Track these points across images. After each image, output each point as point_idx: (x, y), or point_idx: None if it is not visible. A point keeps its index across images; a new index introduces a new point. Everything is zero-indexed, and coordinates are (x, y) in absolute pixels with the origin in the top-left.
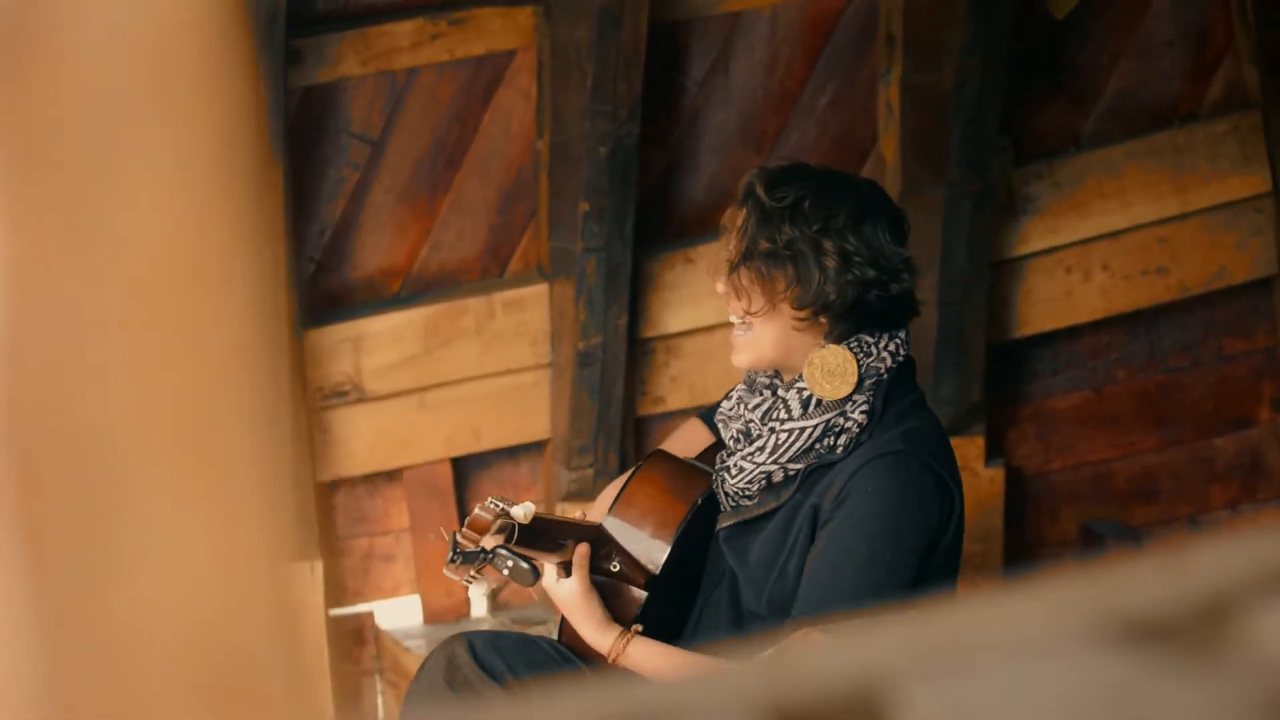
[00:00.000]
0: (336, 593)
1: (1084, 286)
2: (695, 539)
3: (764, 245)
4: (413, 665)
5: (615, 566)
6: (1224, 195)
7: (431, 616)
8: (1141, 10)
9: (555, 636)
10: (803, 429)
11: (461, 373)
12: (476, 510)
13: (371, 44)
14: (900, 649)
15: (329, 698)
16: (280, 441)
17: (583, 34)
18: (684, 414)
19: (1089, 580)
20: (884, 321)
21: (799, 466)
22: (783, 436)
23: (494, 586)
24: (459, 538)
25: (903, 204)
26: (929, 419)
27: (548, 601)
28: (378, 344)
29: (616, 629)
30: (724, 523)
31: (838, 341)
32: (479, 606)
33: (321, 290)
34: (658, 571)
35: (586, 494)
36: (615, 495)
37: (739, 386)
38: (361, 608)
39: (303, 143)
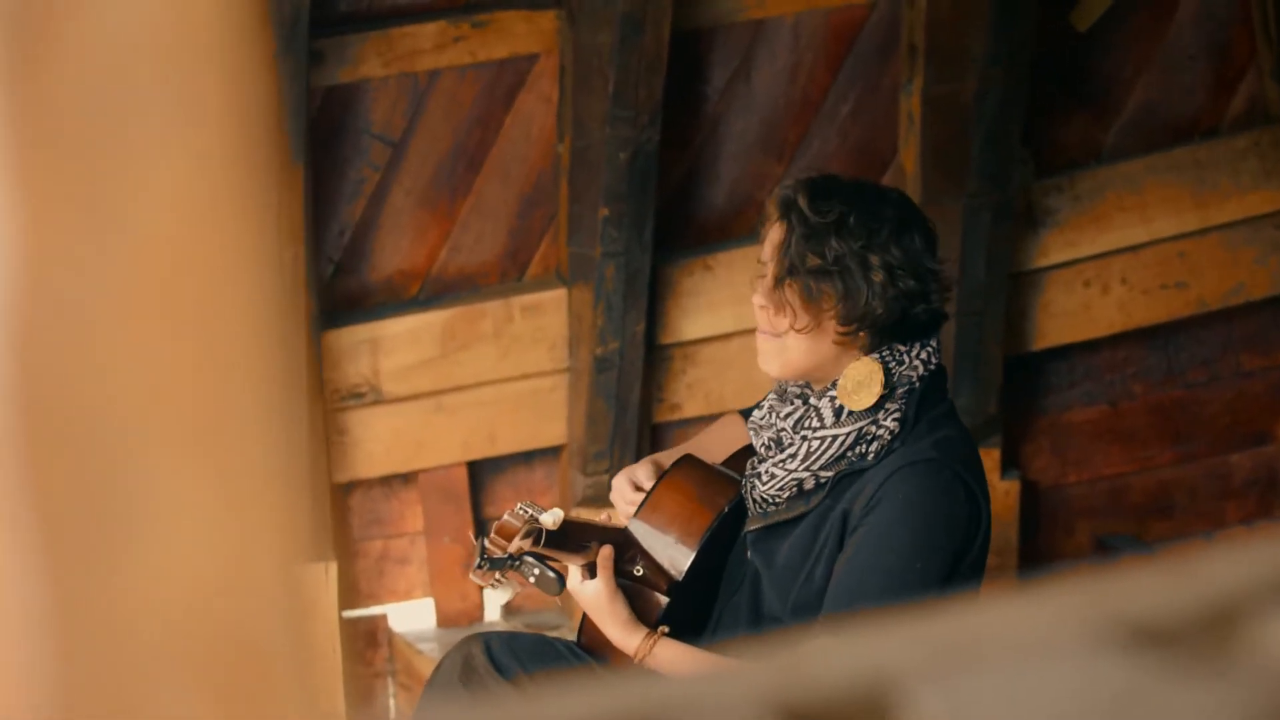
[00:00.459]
0: (350, 595)
1: (1102, 300)
2: (719, 545)
3: (812, 261)
4: (425, 668)
5: (639, 570)
6: (1244, 211)
7: (445, 620)
8: (1164, 24)
9: (573, 639)
10: (835, 436)
11: (479, 376)
12: (505, 516)
13: (394, 45)
14: (908, 649)
15: (341, 698)
16: (294, 440)
17: (605, 39)
18: (700, 421)
19: (1097, 584)
20: (920, 333)
21: (830, 474)
22: (815, 444)
23: (517, 592)
24: (487, 543)
25: None
26: (960, 430)
27: (571, 603)
28: (395, 346)
29: (643, 630)
30: (752, 525)
31: (869, 353)
32: (496, 611)
33: (340, 291)
34: (681, 577)
35: (602, 499)
36: (643, 497)
37: (770, 395)
38: (375, 610)
39: (323, 143)
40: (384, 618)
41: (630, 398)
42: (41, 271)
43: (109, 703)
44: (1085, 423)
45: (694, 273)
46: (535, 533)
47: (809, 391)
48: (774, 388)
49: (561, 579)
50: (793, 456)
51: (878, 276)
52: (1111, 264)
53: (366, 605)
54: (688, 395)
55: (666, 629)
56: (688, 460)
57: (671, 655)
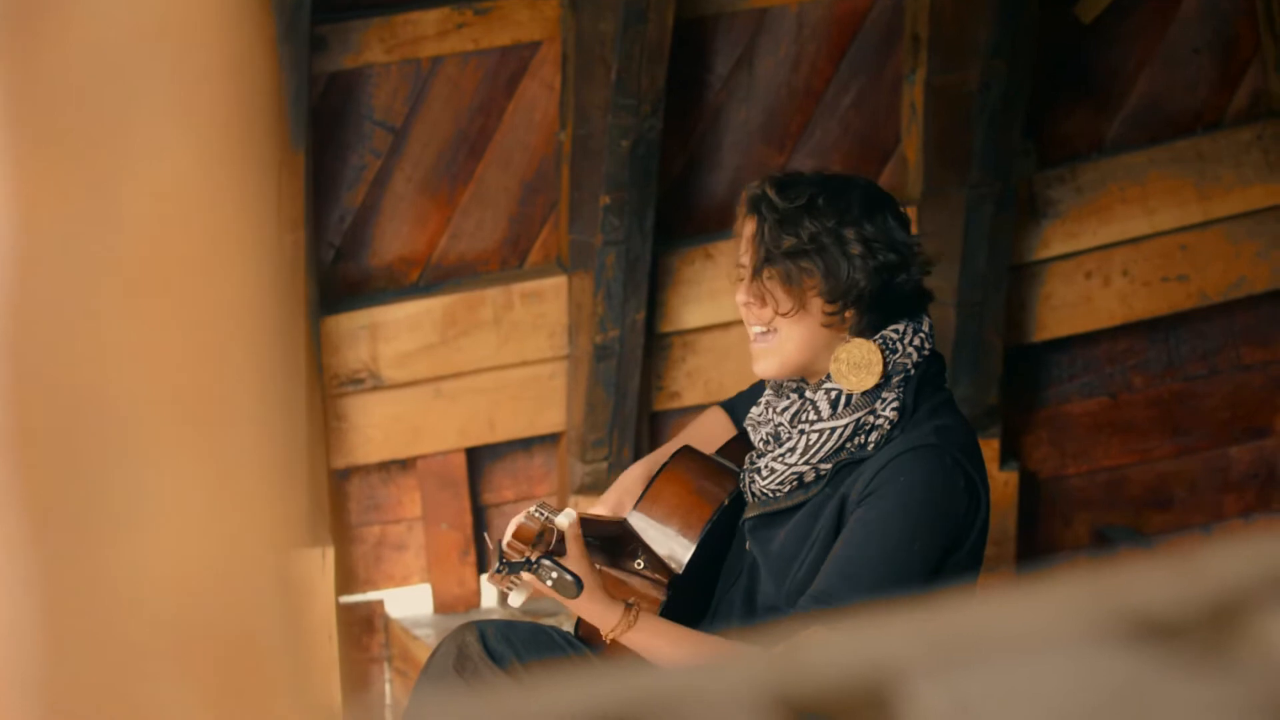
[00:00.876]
0: (347, 580)
1: (1103, 292)
2: (719, 537)
3: (787, 243)
4: (421, 654)
5: (640, 564)
6: (1246, 204)
7: (442, 606)
8: (1168, 17)
9: (569, 628)
10: (833, 429)
11: (478, 363)
12: (522, 519)
13: (397, 32)
14: (909, 643)
15: (336, 685)
16: (293, 429)
17: (608, 27)
18: (699, 410)
19: (1099, 578)
20: (906, 310)
21: (829, 465)
22: (813, 437)
23: (531, 593)
24: (505, 547)
25: (924, 205)
26: (959, 418)
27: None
28: (395, 332)
29: (620, 605)
30: (750, 513)
31: (861, 336)
32: (495, 599)
33: (340, 277)
34: (681, 570)
35: (600, 487)
36: (636, 487)
37: (767, 391)
38: (372, 596)
39: (325, 129)
40: (381, 603)
41: (629, 386)
42: (36, 260)
43: (101, 698)
44: (1085, 414)
45: (694, 261)
46: (550, 533)
47: (804, 385)
48: (769, 384)
49: (579, 581)
50: (791, 450)
51: (855, 250)
52: (1113, 256)
53: (363, 591)
54: (687, 383)
55: (642, 605)
56: (686, 452)
57: (651, 630)
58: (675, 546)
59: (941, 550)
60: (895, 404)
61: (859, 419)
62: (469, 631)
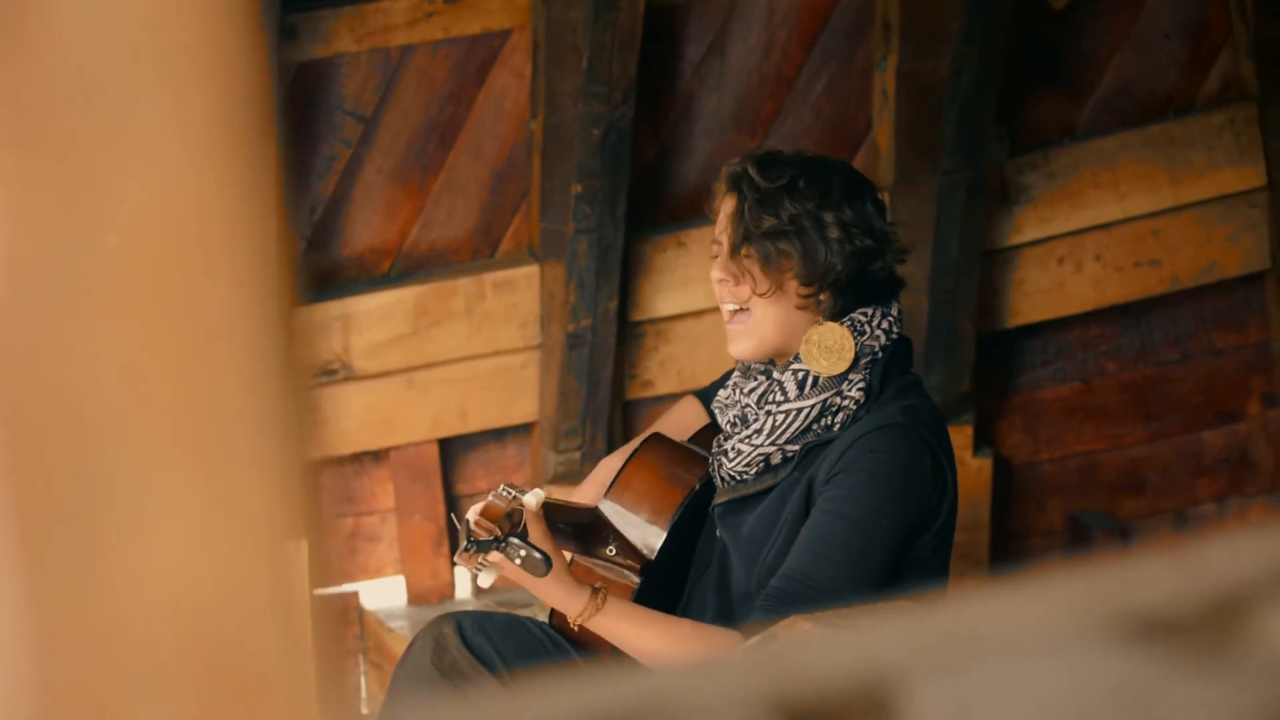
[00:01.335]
0: (321, 572)
1: (1076, 277)
2: (691, 523)
3: (768, 223)
4: (396, 646)
5: (611, 550)
6: (1218, 189)
7: (416, 597)
8: (1139, 3)
9: (544, 619)
10: (800, 409)
11: (450, 353)
12: (490, 497)
13: (367, 21)
14: (907, 644)
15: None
16: (279, 420)
17: (579, 14)
18: (672, 398)
19: (1098, 576)
20: (879, 296)
21: (796, 447)
22: (780, 418)
23: (501, 573)
24: (473, 525)
25: (896, 192)
26: (926, 400)
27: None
28: (367, 323)
29: (586, 590)
30: (719, 499)
31: (832, 319)
32: (468, 588)
33: (311, 268)
34: (653, 557)
35: (573, 477)
36: (612, 478)
37: (734, 373)
38: (346, 588)
39: (295, 119)
40: (355, 595)
41: (602, 374)
42: (23, 265)
43: (96, 712)
44: (1058, 400)
45: (667, 249)
46: (518, 513)
47: (772, 367)
48: (739, 364)
49: (548, 559)
50: (758, 432)
51: (834, 233)
52: (1085, 241)
53: (337, 583)
54: (660, 372)
55: (607, 591)
56: (656, 439)
57: (618, 614)
58: (647, 533)
59: (909, 528)
60: (862, 385)
61: (825, 400)
62: (445, 624)
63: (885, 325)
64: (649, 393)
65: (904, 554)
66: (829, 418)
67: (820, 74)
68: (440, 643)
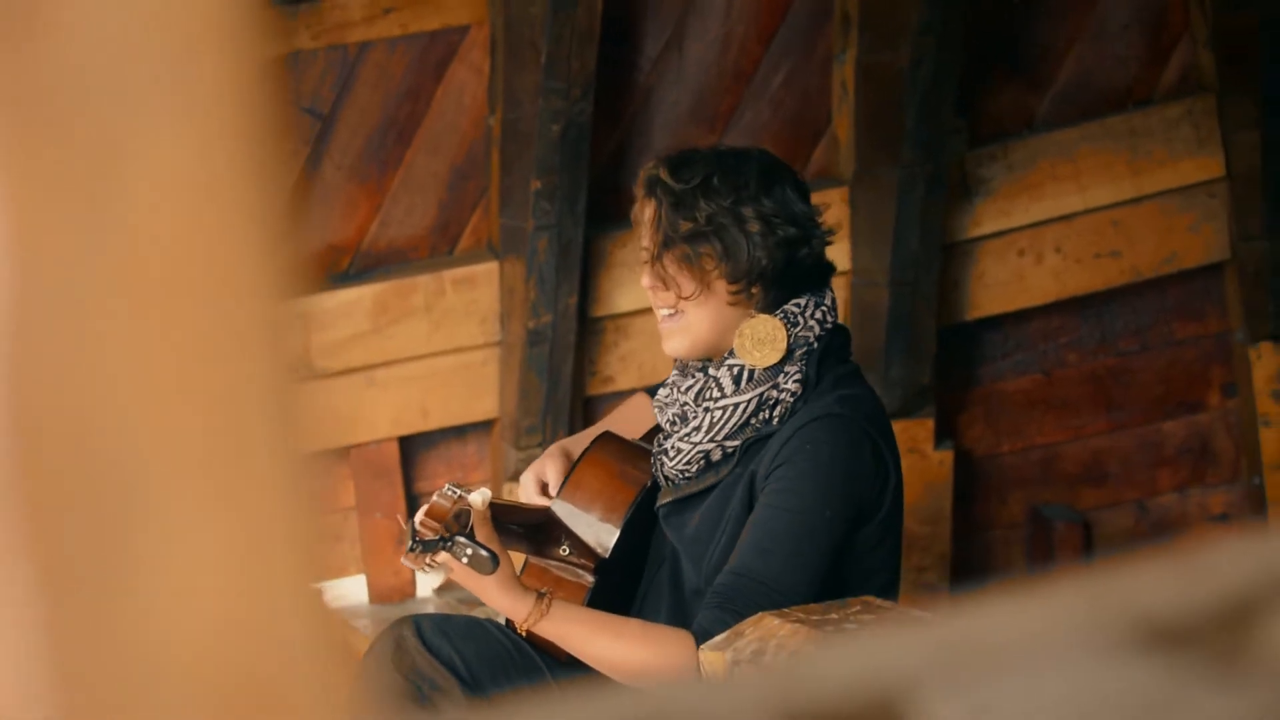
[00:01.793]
0: None
1: (1036, 269)
2: (644, 521)
3: (685, 226)
4: (358, 645)
5: (565, 550)
6: (1178, 179)
7: (377, 596)
8: None
9: (503, 620)
10: (736, 405)
11: (410, 351)
12: (435, 497)
13: (324, 17)
14: (919, 655)
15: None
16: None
17: (537, 10)
18: (633, 394)
19: (1106, 584)
20: (811, 284)
21: (736, 443)
22: (717, 414)
23: (450, 573)
24: (418, 525)
25: (856, 184)
26: (866, 389)
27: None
28: (326, 321)
29: (531, 594)
30: (663, 499)
31: (766, 311)
32: (427, 588)
33: None
34: (607, 555)
35: None
36: (563, 476)
37: (673, 372)
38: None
39: None
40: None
41: (563, 371)
42: (32, 272)
43: None
44: (1019, 392)
45: (626, 244)
46: (465, 513)
47: (708, 364)
48: (675, 364)
49: (495, 558)
50: (697, 429)
51: (754, 227)
52: (1045, 233)
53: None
54: (620, 368)
55: (554, 593)
56: (606, 437)
57: (565, 618)
58: (600, 531)
59: (853, 518)
60: (798, 377)
61: (762, 394)
62: (405, 626)
63: (819, 315)
64: (610, 388)
65: (850, 544)
66: (767, 411)
67: (779, 68)
68: (401, 645)
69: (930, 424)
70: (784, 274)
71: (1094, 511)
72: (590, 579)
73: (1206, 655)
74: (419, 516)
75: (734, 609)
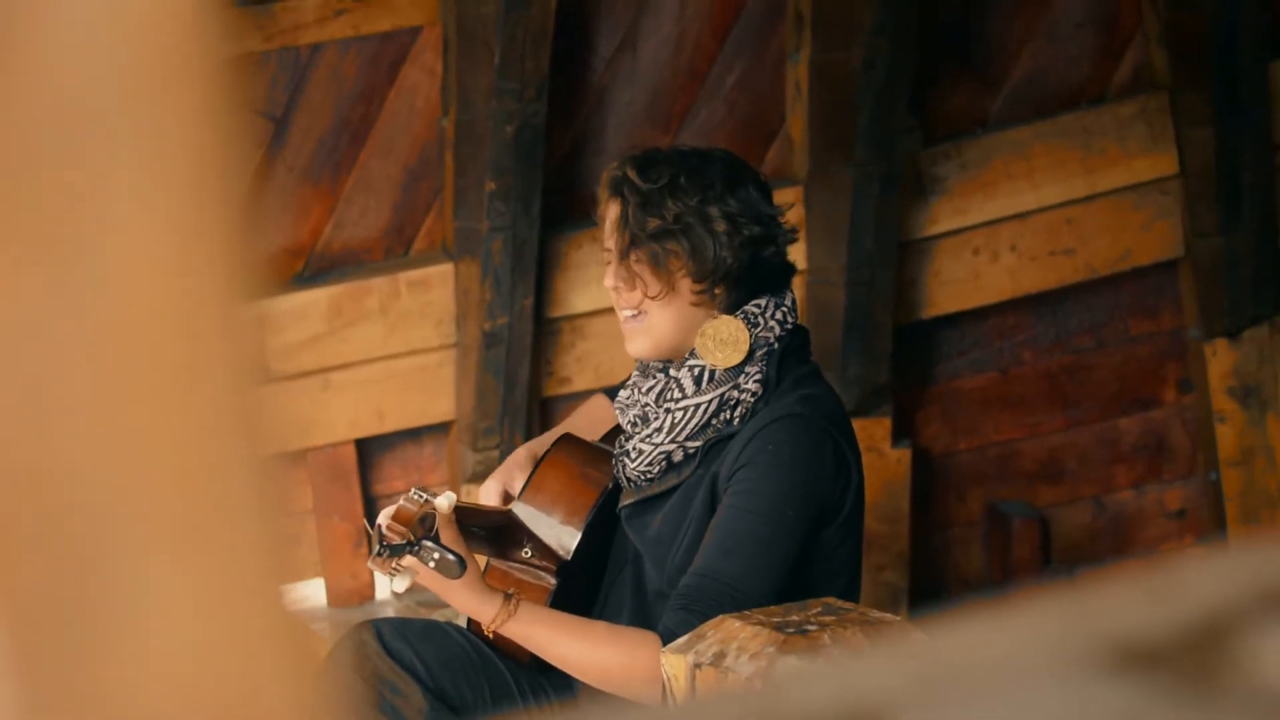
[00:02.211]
0: None
1: (991, 267)
2: (605, 523)
3: (652, 225)
4: (317, 649)
5: (527, 553)
6: (1131, 177)
7: (336, 599)
8: None
9: (462, 623)
10: (697, 405)
11: (366, 353)
12: (401, 501)
13: (276, 19)
14: (897, 677)
15: None
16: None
17: (490, 10)
18: (590, 395)
19: (1081, 604)
20: (773, 284)
21: (697, 444)
22: (678, 415)
23: (415, 577)
24: (384, 530)
25: (810, 184)
26: (826, 389)
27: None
28: (281, 324)
29: (499, 595)
30: (625, 501)
31: (728, 313)
32: (386, 590)
33: None
34: (569, 557)
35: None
36: (525, 476)
37: (634, 373)
38: None
39: None
40: None
41: (519, 372)
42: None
43: None
44: (975, 390)
45: (582, 245)
46: (430, 517)
47: (669, 364)
48: (637, 364)
49: (462, 561)
50: (658, 430)
51: (720, 227)
52: (1000, 231)
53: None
54: (577, 368)
55: (520, 595)
56: (567, 439)
57: (532, 619)
58: (562, 534)
59: (815, 518)
60: (758, 377)
61: (723, 394)
62: (365, 630)
63: (779, 316)
64: (566, 389)
65: (813, 544)
66: (728, 411)
67: (733, 67)
68: (361, 649)
69: (888, 422)
70: (748, 274)
71: (1051, 508)
72: (552, 581)
73: (1180, 675)
74: (385, 521)
75: (698, 610)
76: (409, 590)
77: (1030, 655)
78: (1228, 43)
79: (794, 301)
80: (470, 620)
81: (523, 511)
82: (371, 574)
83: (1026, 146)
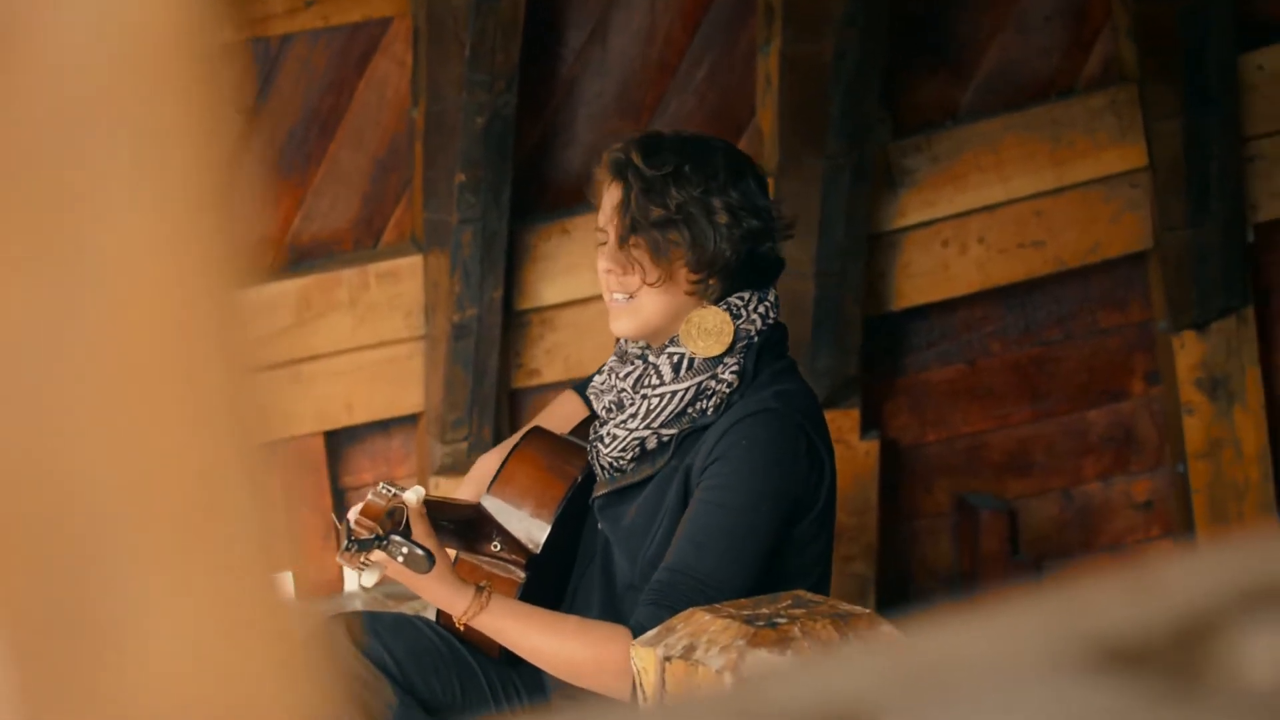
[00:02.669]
0: None
1: (961, 259)
2: (575, 516)
3: (656, 213)
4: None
5: (496, 546)
6: (1101, 169)
7: (304, 592)
8: None
9: (432, 616)
10: (674, 392)
11: (335, 345)
12: (370, 496)
13: (245, 10)
14: (876, 677)
15: None
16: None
17: (460, 2)
18: (559, 387)
19: (1066, 603)
20: (765, 279)
21: (672, 432)
22: (654, 401)
23: (384, 571)
24: (353, 524)
25: (781, 176)
26: (801, 385)
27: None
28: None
29: (470, 587)
30: (599, 491)
31: (715, 303)
32: (354, 584)
33: None
34: (538, 551)
35: (460, 468)
36: (494, 473)
37: (611, 359)
38: None
39: None
40: None
41: (488, 364)
42: None
43: None
44: (944, 382)
45: (551, 237)
46: (399, 511)
47: (648, 350)
48: (615, 350)
49: (431, 556)
50: (633, 416)
51: (722, 219)
52: (969, 223)
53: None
54: (546, 360)
55: (492, 587)
56: (536, 432)
57: (503, 612)
58: (531, 527)
59: (788, 513)
60: (735, 369)
61: (700, 383)
62: (334, 624)
63: (761, 310)
64: (536, 381)
65: (785, 539)
66: (704, 401)
67: (703, 59)
68: (331, 644)
69: (856, 414)
70: (743, 267)
71: (1020, 500)
72: (521, 575)
73: (1163, 674)
74: (354, 515)
75: (669, 605)
76: (378, 584)
77: (1012, 655)
78: (1197, 35)
79: (776, 298)
80: (440, 613)
81: (492, 505)
82: (340, 566)
83: (996, 139)
